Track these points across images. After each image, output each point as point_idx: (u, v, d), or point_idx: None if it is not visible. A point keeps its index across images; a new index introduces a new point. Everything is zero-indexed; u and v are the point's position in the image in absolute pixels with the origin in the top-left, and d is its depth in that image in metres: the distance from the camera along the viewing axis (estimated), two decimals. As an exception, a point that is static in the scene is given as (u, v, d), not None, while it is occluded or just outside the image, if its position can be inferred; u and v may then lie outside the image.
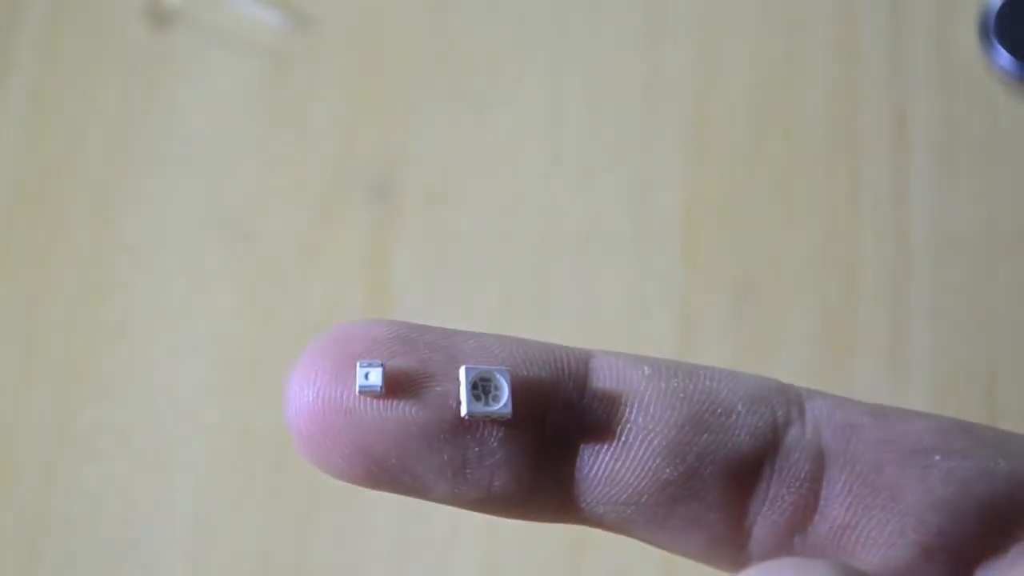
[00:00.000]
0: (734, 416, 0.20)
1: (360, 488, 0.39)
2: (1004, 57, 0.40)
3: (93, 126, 0.42)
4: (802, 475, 0.20)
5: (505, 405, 0.19)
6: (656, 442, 0.20)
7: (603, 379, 0.20)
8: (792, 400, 0.21)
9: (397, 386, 0.19)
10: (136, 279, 0.40)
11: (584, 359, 0.20)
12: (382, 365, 0.19)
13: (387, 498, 0.37)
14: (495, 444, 0.20)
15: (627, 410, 0.20)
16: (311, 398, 0.19)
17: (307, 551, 0.37)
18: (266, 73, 0.42)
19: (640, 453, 0.20)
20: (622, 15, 0.42)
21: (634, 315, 0.39)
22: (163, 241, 0.41)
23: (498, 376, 0.19)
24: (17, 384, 0.39)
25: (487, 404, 0.19)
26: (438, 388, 0.19)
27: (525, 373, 0.20)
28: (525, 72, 0.42)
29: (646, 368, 0.20)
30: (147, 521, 0.38)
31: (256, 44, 0.43)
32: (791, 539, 0.20)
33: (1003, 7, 0.40)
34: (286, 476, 0.38)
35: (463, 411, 0.19)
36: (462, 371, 0.19)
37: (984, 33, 0.40)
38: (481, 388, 0.19)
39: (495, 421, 0.19)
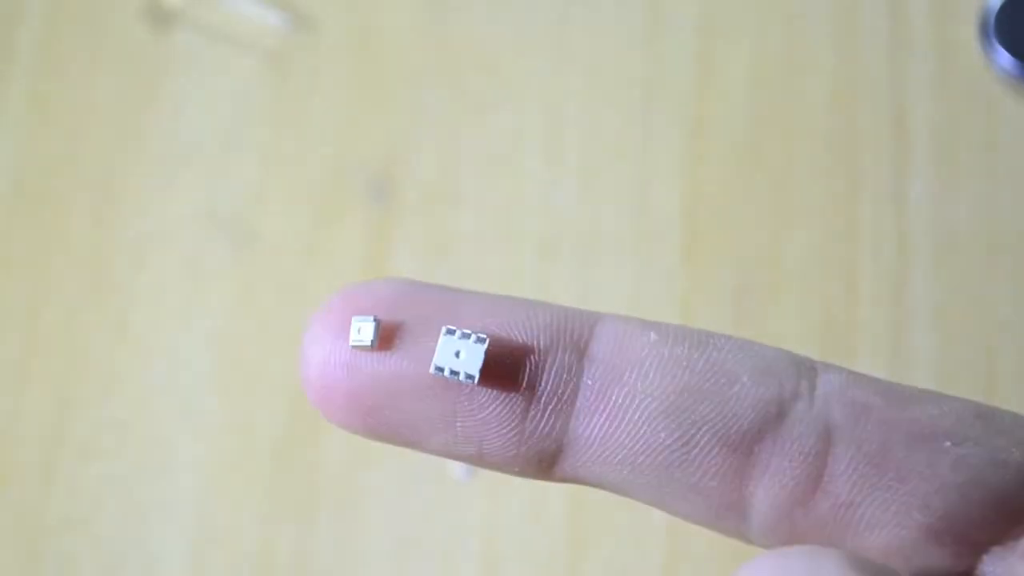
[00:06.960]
0: (737, 386, 0.20)
1: (360, 488, 0.39)
2: (1004, 57, 0.40)
3: (93, 126, 0.42)
4: (806, 450, 0.20)
5: (474, 365, 0.20)
6: (652, 407, 0.20)
7: (605, 343, 0.21)
8: (804, 373, 0.21)
9: (391, 341, 0.20)
10: (136, 279, 0.40)
11: (591, 323, 0.21)
12: (375, 320, 0.20)
13: (387, 498, 0.37)
14: (485, 399, 0.20)
15: (626, 374, 0.20)
16: (316, 353, 0.20)
17: (307, 551, 0.37)
18: (266, 73, 0.42)
19: (635, 416, 0.20)
20: (622, 15, 0.42)
21: (634, 315, 0.39)
22: (163, 241, 0.41)
23: (476, 337, 0.20)
24: (17, 384, 0.39)
25: (458, 363, 0.20)
26: (430, 344, 0.20)
27: (517, 335, 0.20)
28: (525, 72, 0.42)
29: (652, 334, 0.21)
30: (147, 521, 0.38)
31: (256, 44, 0.43)
32: (792, 512, 0.20)
33: (1003, 7, 0.40)
34: (286, 476, 0.38)
35: (431, 367, 0.20)
36: (442, 329, 0.20)
37: (984, 33, 0.40)
38: (462, 348, 0.20)
39: (471, 378, 0.20)
